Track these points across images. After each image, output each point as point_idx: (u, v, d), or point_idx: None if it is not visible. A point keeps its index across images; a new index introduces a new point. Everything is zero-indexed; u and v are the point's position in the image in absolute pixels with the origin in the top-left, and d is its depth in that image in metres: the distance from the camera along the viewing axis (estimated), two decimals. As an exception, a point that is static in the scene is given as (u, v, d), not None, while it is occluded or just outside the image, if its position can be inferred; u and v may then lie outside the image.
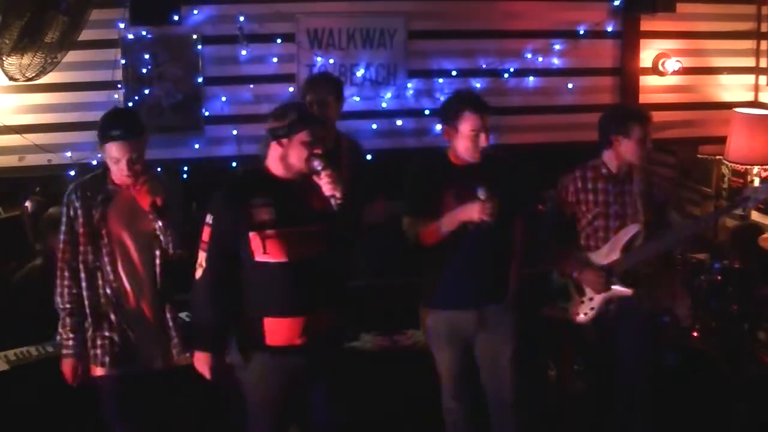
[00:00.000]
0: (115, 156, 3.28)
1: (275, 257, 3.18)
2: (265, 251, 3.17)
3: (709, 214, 4.58)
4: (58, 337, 3.42)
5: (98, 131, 3.33)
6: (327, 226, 3.24)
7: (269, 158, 3.26)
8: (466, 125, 3.61)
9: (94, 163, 4.71)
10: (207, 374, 3.27)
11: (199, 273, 3.26)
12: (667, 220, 3.94)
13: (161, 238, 3.38)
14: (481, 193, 3.46)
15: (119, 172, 3.32)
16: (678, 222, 4.07)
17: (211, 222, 3.24)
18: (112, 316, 3.38)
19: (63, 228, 3.38)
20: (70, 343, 3.36)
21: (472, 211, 3.50)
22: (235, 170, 5.18)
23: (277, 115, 3.22)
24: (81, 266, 3.37)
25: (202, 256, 3.25)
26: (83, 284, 3.37)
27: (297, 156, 3.18)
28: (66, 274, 3.37)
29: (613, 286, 3.81)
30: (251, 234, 3.16)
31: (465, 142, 3.63)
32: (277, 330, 3.23)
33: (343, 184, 3.15)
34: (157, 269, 3.44)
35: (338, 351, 3.52)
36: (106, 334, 3.38)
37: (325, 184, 3.15)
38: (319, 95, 4.08)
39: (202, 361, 3.27)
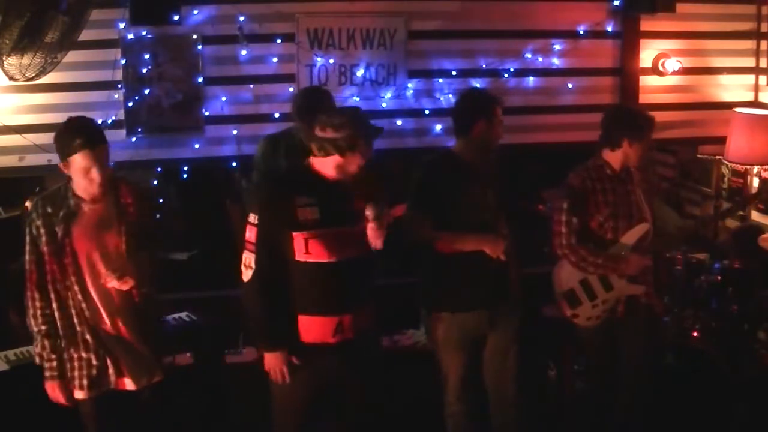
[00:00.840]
0: (85, 165, 3.15)
1: (316, 257, 3.19)
2: (307, 251, 3.18)
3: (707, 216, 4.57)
4: (38, 360, 3.29)
5: (59, 146, 3.21)
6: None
7: (315, 159, 3.24)
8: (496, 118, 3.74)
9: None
10: (280, 373, 3.26)
11: (248, 275, 3.25)
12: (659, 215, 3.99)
13: None
14: (504, 230, 3.68)
15: (90, 183, 3.19)
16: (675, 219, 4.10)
17: (256, 221, 3.23)
18: (87, 336, 3.25)
19: (27, 248, 3.23)
20: (54, 364, 3.24)
21: (495, 248, 3.67)
22: (236, 170, 5.20)
23: (336, 125, 3.17)
24: (50, 286, 3.22)
25: (249, 257, 3.24)
26: (53, 305, 3.23)
27: (355, 166, 3.21)
28: (36, 295, 3.22)
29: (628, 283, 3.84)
30: (294, 234, 3.17)
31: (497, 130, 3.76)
32: (311, 328, 3.25)
33: (384, 233, 3.19)
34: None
35: (373, 351, 3.49)
36: (83, 355, 3.25)
37: (371, 230, 3.18)
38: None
39: (273, 361, 3.26)
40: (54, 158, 4.78)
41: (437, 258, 3.74)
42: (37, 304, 3.23)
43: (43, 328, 3.23)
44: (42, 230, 3.21)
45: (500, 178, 3.82)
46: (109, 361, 3.28)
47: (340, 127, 3.16)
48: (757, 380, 4.33)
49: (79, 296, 3.22)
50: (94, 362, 3.26)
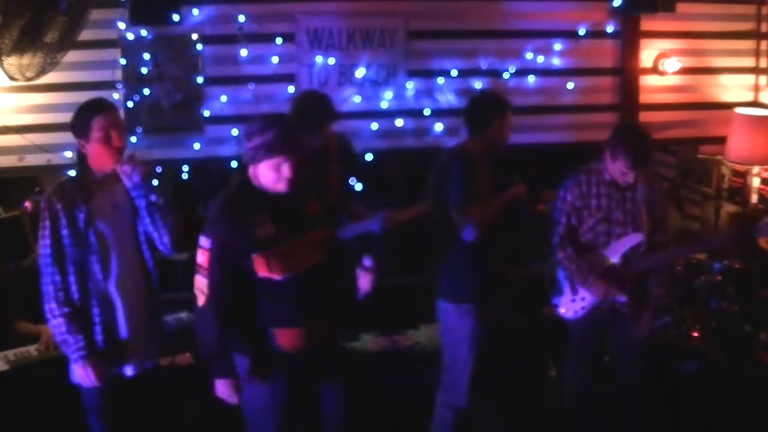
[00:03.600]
0: (106, 127, 3.28)
1: (277, 274, 3.13)
2: (269, 269, 3.12)
3: (722, 237, 4.47)
4: (63, 347, 3.28)
5: (77, 121, 3.33)
6: (325, 229, 3.24)
7: (257, 173, 3.16)
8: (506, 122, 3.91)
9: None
10: (232, 399, 3.24)
11: (201, 300, 3.17)
12: (661, 229, 3.91)
13: (153, 235, 3.38)
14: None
15: (110, 148, 3.29)
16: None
17: (209, 246, 3.14)
18: (102, 317, 3.31)
19: (47, 232, 3.26)
20: (82, 344, 3.25)
21: (520, 191, 3.88)
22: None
23: (247, 134, 3.15)
24: (70, 267, 3.28)
25: (201, 282, 3.16)
26: (73, 287, 3.28)
27: (265, 178, 3.14)
28: (57, 278, 3.26)
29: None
30: (255, 255, 3.10)
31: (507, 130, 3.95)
32: (282, 339, 3.23)
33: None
34: (148, 267, 3.43)
35: (340, 351, 3.52)
36: (97, 336, 3.31)
37: (362, 278, 3.38)
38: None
39: (225, 388, 3.23)
40: (54, 158, 4.84)
41: (461, 250, 3.80)
42: (60, 286, 3.26)
43: (66, 309, 3.26)
44: (62, 213, 3.26)
45: (501, 178, 3.87)
46: (120, 342, 3.34)
47: (247, 137, 3.13)
48: (757, 380, 4.33)
49: (100, 276, 3.29)
50: (106, 341, 3.31)
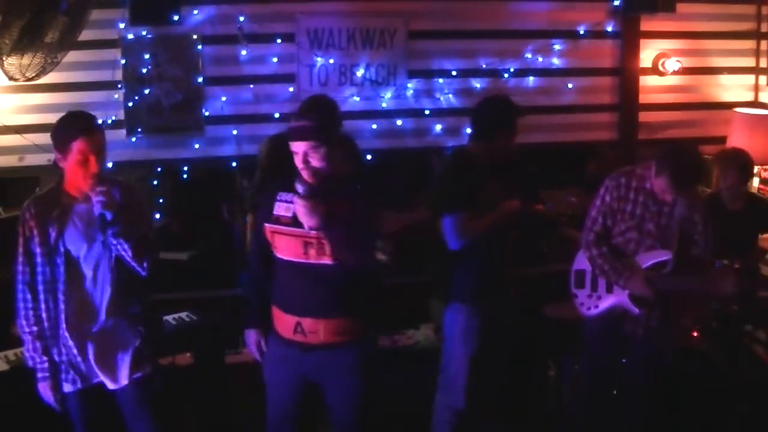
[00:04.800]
0: (84, 151, 3.14)
1: (282, 254, 3.24)
2: (274, 245, 3.26)
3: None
4: (29, 362, 3.29)
5: (58, 135, 3.19)
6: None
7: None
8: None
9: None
10: (254, 349, 3.45)
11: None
12: (693, 250, 3.81)
13: (115, 251, 3.23)
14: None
15: (86, 175, 3.16)
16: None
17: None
18: (74, 334, 3.24)
19: (20, 249, 3.22)
20: (45, 365, 3.24)
21: (509, 207, 3.82)
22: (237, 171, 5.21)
23: (295, 116, 3.21)
24: (41, 287, 3.22)
25: (251, 236, 3.48)
26: (42, 305, 3.23)
27: (300, 154, 3.16)
28: (28, 296, 3.22)
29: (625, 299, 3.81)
30: (267, 225, 3.27)
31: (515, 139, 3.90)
32: (279, 321, 3.31)
33: (318, 216, 3.07)
34: (114, 281, 3.28)
35: (354, 359, 3.36)
36: (72, 351, 3.25)
37: (299, 208, 3.10)
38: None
39: (247, 338, 3.48)
40: (53, 158, 4.83)
41: (457, 251, 3.79)
42: (30, 305, 3.23)
43: (35, 329, 3.24)
44: (35, 230, 3.20)
45: (510, 179, 3.86)
46: (92, 358, 3.28)
47: (297, 117, 3.18)
48: (757, 380, 4.32)
49: (70, 293, 3.22)
50: (79, 358, 3.26)
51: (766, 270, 4.89)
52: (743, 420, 4.25)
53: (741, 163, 4.59)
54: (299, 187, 3.07)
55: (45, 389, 3.28)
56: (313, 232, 3.12)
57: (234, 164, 5.11)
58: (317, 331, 3.23)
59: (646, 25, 5.38)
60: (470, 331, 3.83)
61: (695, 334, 4.46)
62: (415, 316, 4.98)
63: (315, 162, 3.12)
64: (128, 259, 3.24)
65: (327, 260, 3.17)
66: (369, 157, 5.01)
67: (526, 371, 4.69)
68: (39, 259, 3.22)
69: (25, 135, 4.74)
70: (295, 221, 3.16)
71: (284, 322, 3.27)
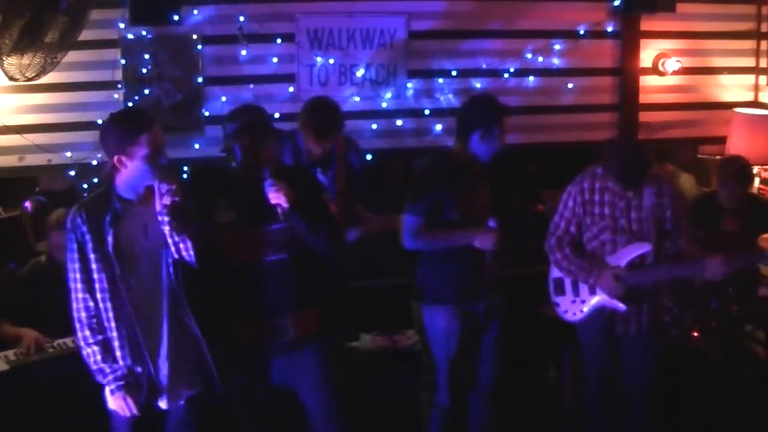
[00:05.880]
0: (159, 143, 3.06)
1: (238, 257, 3.22)
2: (227, 251, 3.21)
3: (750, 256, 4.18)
4: (98, 377, 3.10)
5: (120, 134, 3.05)
6: (287, 228, 3.24)
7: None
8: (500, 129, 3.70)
9: (94, 162, 4.71)
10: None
11: None
12: (673, 237, 3.79)
13: (175, 249, 3.10)
14: (492, 224, 3.63)
15: (154, 166, 3.06)
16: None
17: None
18: (133, 343, 3.10)
19: (75, 256, 3.08)
20: (119, 373, 3.08)
21: (485, 241, 3.63)
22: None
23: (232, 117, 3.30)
24: (98, 295, 3.08)
25: None
26: (103, 314, 3.09)
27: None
28: (90, 305, 3.08)
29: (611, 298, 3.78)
30: (213, 234, 3.20)
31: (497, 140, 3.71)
32: (243, 331, 3.28)
33: (289, 195, 3.15)
34: (175, 284, 3.16)
35: (328, 355, 3.46)
36: (128, 362, 3.11)
37: (270, 193, 3.14)
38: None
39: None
40: (54, 158, 4.84)
41: (431, 252, 3.77)
42: (93, 313, 3.09)
43: (100, 337, 3.10)
44: (88, 236, 3.07)
45: (496, 179, 3.83)
46: (152, 370, 3.13)
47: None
48: (757, 380, 4.33)
49: (128, 300, 3.09)
50: (138, 369, 3.12)
51: (766, 270, 4.90)
52: (743, 420, 4.25)
53: (744, 175, 4.64)
54: (266, 175, 3.16)
55: (125, 398, 3.09)
56: (271, 225, 3.19)
57: (234, 164, 5.10)
58: (295, 326, 3.28)
59: (646, 25, 5.38)
60: (452, 333, 3.79)
61: (695, 334, 4.46)
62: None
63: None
64: (188, 257, 3.10)
65: (288, 252, 3.24)
66: (369, 157, 5.01)
67: (526, 371, 4.68)
68: (95, 265, 3.08)
69: (25, 135, 4.74)
70: (250, 220, 3.21)
71: (250, 329, 3.26)
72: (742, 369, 4.35)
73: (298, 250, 3.28)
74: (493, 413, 4.01)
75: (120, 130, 3.08)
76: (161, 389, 3.16)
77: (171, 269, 3.16)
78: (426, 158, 3.89)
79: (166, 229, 3.07)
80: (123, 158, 3.05)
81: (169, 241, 3.09)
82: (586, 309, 3.86)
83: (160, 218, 3.07)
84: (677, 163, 5.77)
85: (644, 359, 3.89)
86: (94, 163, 4.70)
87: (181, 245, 3.09)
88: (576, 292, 3.89)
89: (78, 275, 3.10)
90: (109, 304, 3.09)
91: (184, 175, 5.16)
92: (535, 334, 4.66)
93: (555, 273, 3.99)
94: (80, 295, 3.10)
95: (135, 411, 3.11)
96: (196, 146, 5.03)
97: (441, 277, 3.77)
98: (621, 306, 3.76)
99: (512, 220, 3.87)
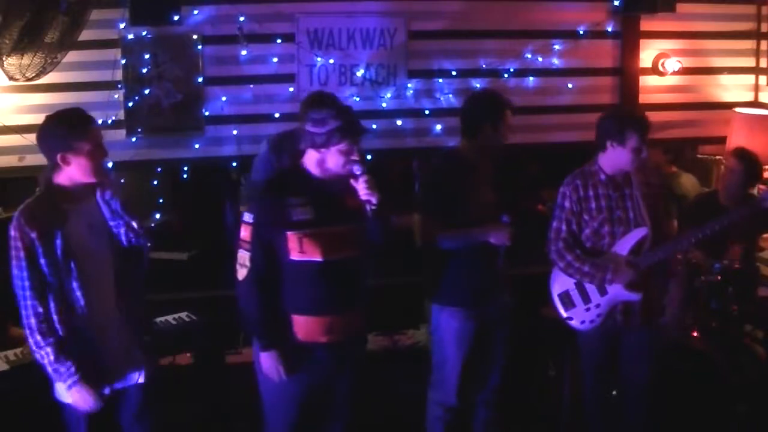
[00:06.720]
0: (101, 139, 3.15)
1: (310, 256, 3.21)
2: (301, 250, 3.20)
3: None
4: (55, 377, 3.15)
5: (62, 135, 3.09)
6: (360, 227, 3.27)
7: (306, 158, 3.28)
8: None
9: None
10: (276, 372, 3.27)
11: (242, 273, 3.30)
12: (669, 222, 3.88)
13: (126, 239, 3.20)
14: (506, 219, 3.72)
15: (97, 162, 3.11)
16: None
17: (251, 220, 3.28)
18: (84, 336, 3.16)
19: (24, 263, 3.07)
20: (73, 369, 3.12)
21: (500, 237, 3.73)
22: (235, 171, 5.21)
23: (316, 120, 3.20)
24: (51, 295, 3.10)
25: (244, 256, 3.29)
26: (55, 317, 3.11)
27: (334, 163, 3.22)
28: (40, 310, 3.09)
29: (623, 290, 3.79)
30: (289, 233, 3.19)
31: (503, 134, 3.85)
32: (304, 327, 3.27)
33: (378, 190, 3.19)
34: (125, 276, 3.24)
35: (360, 354, 3.53)
36: (81, 355, 3.15)
37: (362, 188, 3.18)
38: None
39: (269, 360, 3.28)
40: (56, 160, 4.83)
41: (445, 253, 3.80)
42: (42, 317, 3.10)
43: (51, 339, 3.11)
44: (38, 242, 3.08)
45: (502, 178, 3.86)
46: (104, 360, 3.21)
47: (319, 122, 3.18)
48: (757, 381, 4.32)
49: (80, 297, 3.14)
50: (91, 360, 3.19)
51: (766, 270, 4.90)
52: (743, 420, 4.25)
53: (752, 165, 4.65)
54: (357, 168, 3.17)
55: (81, 392, 3.15)
56: (349, 224, 3.22)
57: (234, 164, 5.11)
58: (348, 325, 3.30)
59: (646, 25, 5.38)
60: (465, 334, 3.83)
61: (695, 334, 4.46)
62: (415, 316, 4.99)
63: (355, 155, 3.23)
64: (137, 241, 3.22)
65: (356, 253, 3.26)
66: (369, 157, 5.01)
67: (526, 371, 4.69)
68: (46, 270, 3.09)
69: (25, 135, 4.73)
70: (327, 219, 3.20)
71: (312, 326, 3.27)
72: (742, 369, 4.34)
73: (365, 248, 3.32)
74: (495, 413, 4.02)
75: (66, 126, 3.11)
76: (111, 377, 3.24)
77: (117, 260, 3.21)
78: (436, 158, 3.93)
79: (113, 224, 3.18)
80: (68, 155, 3.09)
81: (121, 231, 3.19)
82: (602, 310, 3.86)
83: (108, 219, 3.17)
84: (677, 164, 5.77)
85: (643, 354, 3.89)
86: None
87: (131, 233, 3.20)
88: (586, 298, 3.87)
89: (27, 282, 3.09)
90: (61, 306, 3.12)
91: (184, 175, 5.18)
92: (535, 334, 4.67)
93: (557, 288, 3.96)
94: (29, 302, 3.10)
95: (96, 402, 3.18)
96: (196, 146, 5.03)
97: (455, 278, 3.81)
98: (635, 295, 3.78)
99: (518, 218, 3.88)
